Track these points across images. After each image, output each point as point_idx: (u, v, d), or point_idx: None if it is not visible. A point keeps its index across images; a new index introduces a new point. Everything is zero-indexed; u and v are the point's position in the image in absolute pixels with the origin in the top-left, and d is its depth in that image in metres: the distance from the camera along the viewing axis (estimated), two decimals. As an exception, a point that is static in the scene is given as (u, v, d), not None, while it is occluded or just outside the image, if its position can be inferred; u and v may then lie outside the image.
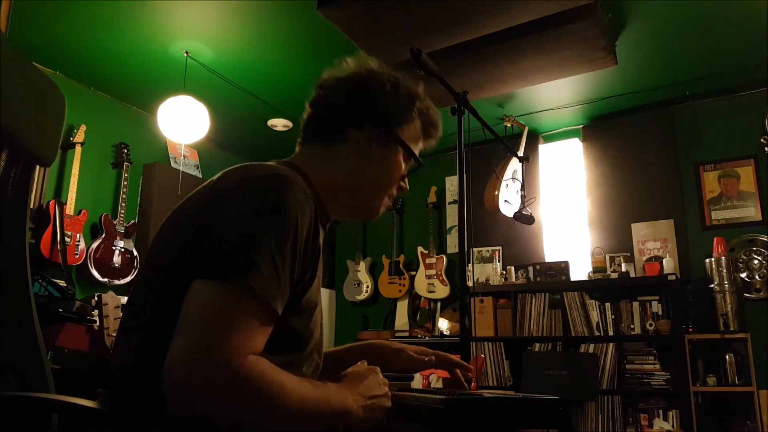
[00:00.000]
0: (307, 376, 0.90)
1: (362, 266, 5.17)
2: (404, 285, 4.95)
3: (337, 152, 1.00)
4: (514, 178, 4.18)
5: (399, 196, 5.17)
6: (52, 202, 3.57)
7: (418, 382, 4.01)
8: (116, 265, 3.85)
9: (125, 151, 4.13)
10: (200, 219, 0.81)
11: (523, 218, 3.83)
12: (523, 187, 4.13)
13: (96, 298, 3.17)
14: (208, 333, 0.70)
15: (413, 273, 4.94)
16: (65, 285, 2.92)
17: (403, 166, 1.04)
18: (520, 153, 3.87)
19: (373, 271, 5.21)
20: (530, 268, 4.34)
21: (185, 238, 0.82)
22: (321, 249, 0.89)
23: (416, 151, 1.07)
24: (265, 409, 0.72)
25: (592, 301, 3.92)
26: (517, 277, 4.35)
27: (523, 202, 4.00)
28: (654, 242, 4.12)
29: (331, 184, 0.99)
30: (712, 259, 3.70)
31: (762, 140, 3.87)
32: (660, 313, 3.74)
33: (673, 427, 3.51)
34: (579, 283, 4.07)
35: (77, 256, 3.67)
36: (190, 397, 0.68)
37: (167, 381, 0.69)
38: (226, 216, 0.78)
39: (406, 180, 1.08)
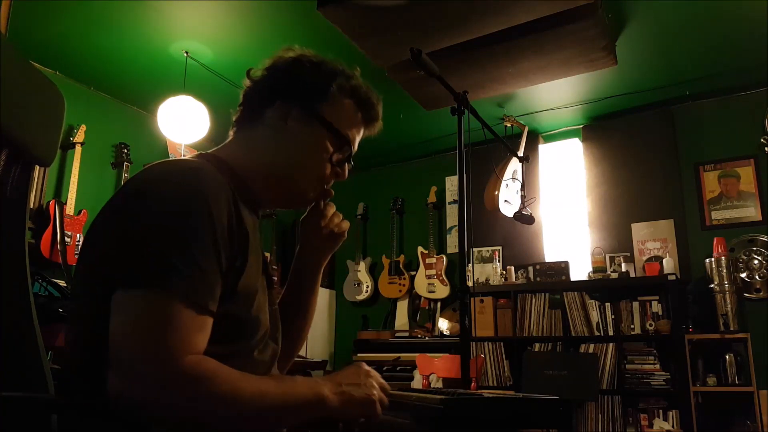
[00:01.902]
0: (261, 362, 0.89)
1: (362, 266, 5.17)
2: (404, 285, 4.95)
3: (256, 133, 0.97)
4: (514, 178, 4.18)
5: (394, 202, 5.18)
6: (52, 202, 3.57)
7: (418, 382, 4.01)
8: (116, 265, 3.84)
9: (125, 151, 4.13)
10: (111, 228, 0.80)
11: (523, 218, 3.83)
12: (523, 187, 4.13)
13: (96, 298, 3.16)
14: (142, 344, 0.69)
15: (413, 273, 4.94)
16: (65, 285, 2.92)
17: (328, 144, 0.98)
18: (520, 153, 3.87)
19: (373, 271, 5.21)
20: (530, 268, 4.34)
21: (99, 248, 0.80)
22: (249, 233, 0.85)
23: (353, 135, 1.01)
24: (219, 407, 0.71)
25: (592, 301, 3.92)
26: (517, 277, 4.35)
27: (523, 202, 4.00)
28: (654, 242, 4.12)
29: (254, 167, 0.95)
30: (712, 259, 3.70)
31: (762, 140, 3.86)
32: (660, 313, 3.73)
33: (673, 427, 3.51)
34: (579, 283, 4.07)
35: (77, 256, 3.67)
36: (142, 410, 0.69)
37: (115, 399, 0.69)
38: (136, 221, 0.76)
39: (345, 167, 1.02)
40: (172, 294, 0.72)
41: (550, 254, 4.50)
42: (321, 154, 0.98)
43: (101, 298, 0.75)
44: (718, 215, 4.00)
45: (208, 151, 0.98)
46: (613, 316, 3.84)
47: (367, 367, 0.90)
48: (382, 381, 0.89)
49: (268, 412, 0.76)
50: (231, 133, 1.02)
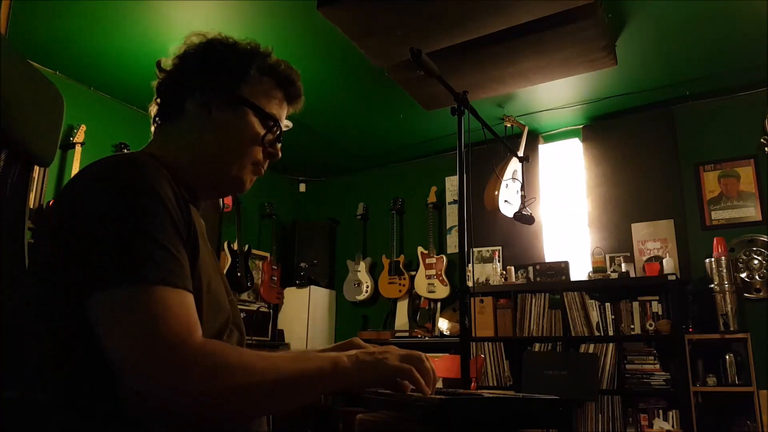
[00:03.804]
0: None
1: (362, 266, 5.17)
2: (404, 285, 4.95)
3: (180, 126, 0.95)
4: (514, 178, 4.18)
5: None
6: (51, 202, 3.57)
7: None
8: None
9: (125, 151, 4.13)
10: (63, 232, 0.76)
11: (523, 218, 3.83)
12: (523, 187, 4.13)
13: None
14: (145, 341, 0.68)
15: (413, 273, 4.95)
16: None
17: (257, 126, 0.96)
18: (520, 153, 3.87)
19: (373, 271, 5.21)
20: (530, 268, 4.34)
21: (53, 253, 0.77)
22: (193, 219, 0.84)
23: (279, 113, 1.00)
24: (238, 379, 0.71)
25: (592, 301, 3.92)
26: (517, 277, 4.35)
27: (523, 202, 4.00)
28: (654, 242, 4.12)
29: (184, 161, 0.93)
30: (712, 259, 3.70)
31: (762, 140, 3.86)
32: (660, 313, 3.73)
33: (673, 427, 3.51)
34: (579, 283, 4.07)
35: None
36: (165, 408, 0.68)
37: (133, 399, 0.67)
38: (89, 220, 0.74)
39: (277, 146, 1.00)
40: (152, 282, 0.70)
41: (550, 254, 4.50)
42: (252, 137, 0.96)
43: (65, 300, 0.74)
44: (718, 215, 4.00)
45: (135, 151, 0.95)
46: (613, 316, 3.84)
47: (391, 347, 0.88)
48: (417, 358, 0.87)
49: (284, 383, 0.75)
50: (152, 129, 0.99)
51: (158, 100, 0.98)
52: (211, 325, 0.84)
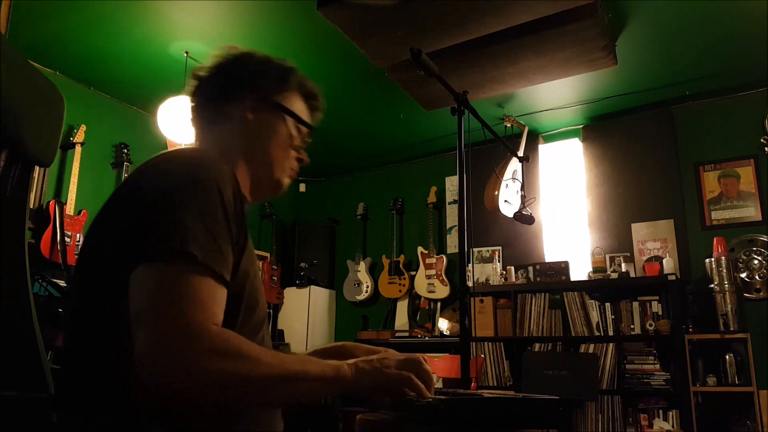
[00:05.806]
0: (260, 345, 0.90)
1: (362, 266, 5.17)
2: (404, 285, 4.95)
3: (223, 130, 1.00)
4: (514, 178, 4.18)
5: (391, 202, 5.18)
6: (52, 202, 3.57)
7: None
8: (116, 265, 3.84)
9: (125, 151, 4.13)
10: (119, 214, 0.82)
11: (523, 218, 3.83)
12: (523, 187, 4.13)
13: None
14: (167, 318, 0.70)
15: (413, 273, 4.95)
16: (65, 285, 2.92)
17: (294, 134, 1.04)
18: (520, 153, 3.87)
19: (373, 271, 5.21)
20: (530, 268, 4.34)
21: (113, 232, 0.81)
22: (247, 227, 0.88)
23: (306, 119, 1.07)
24: (247, 371, 0.73)
25: (592, 301, 3.92)
26: (517, 277, 4.35)
27: (523, 202, 4.00)
28: (654, 242, 4.12)
29: (234, 164, 0.97)
30: (712, 259, 3.70)
31: (762, 140, 3.86)
32: (660, 313, 3.73)
33: (673, 427, 3.51)
34: (579, 283, 4.07)
35: (77, 256, 3.66)
36: (172, 383, 0.69)
37: (143, 377, 0.68)
38: (149, 198, 0.78)
39: (303, 152, 1.08)
40: (191, 264, 0.73)
41: (550, 254, 4.50)
42: (288, 140, 1.03)
43: (108, 290, 0.76)
44: (718, 215, 4.00)
45: None
46: (613, 316, 3.84)
47: (389, 352, 0.91)
48: (416, 361, 0.89)
49: (288, 380, 0.77)
50: (194, 134, 1.05)
51: (194, 106, 1.03)
52: (246, 321, 0.86)
